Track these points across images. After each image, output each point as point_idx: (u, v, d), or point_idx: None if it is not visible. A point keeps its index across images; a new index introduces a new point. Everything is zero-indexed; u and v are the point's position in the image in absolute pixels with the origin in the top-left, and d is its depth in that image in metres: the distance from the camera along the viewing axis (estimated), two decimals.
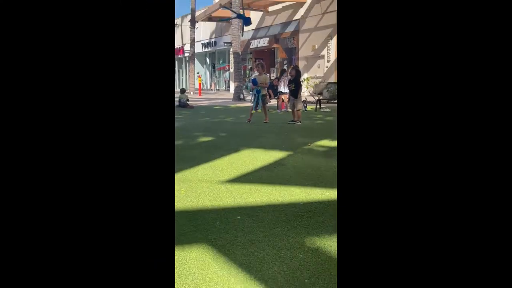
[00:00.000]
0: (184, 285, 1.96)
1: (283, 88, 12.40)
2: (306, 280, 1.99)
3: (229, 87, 25.30)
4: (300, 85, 9.02)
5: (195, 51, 25.15)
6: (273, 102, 12.68)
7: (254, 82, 9.50)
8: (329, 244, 2.40)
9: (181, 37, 30.37)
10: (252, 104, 9.73)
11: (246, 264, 2.18)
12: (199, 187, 3.77)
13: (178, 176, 4.19)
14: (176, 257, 2.27)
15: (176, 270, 2.12)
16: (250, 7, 21.19)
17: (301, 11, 19.09)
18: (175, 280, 2.01)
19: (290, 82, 9.10)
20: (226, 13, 21.57)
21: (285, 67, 18.36)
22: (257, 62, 11.06)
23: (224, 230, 2.69)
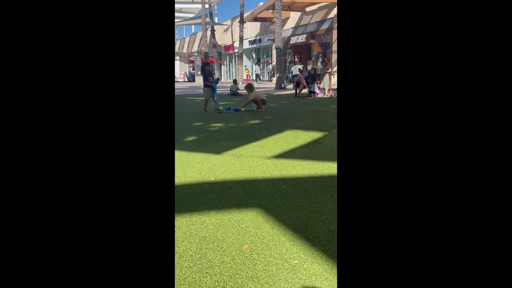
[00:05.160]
0: (242, 242, 2.01)
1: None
2: None
3: (272, 77, 25.12)
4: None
5: (243, 48, 25.11)
6: (304, 90, 12.45)
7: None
8: None
9: (231, 35, 30.28)
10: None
11: (292, 225, 2.19)
12: (250, 161, 3.80)
13: (232, 152, 4.24)
14: (234, 218, 2.33)
15: (235, 229, 2.17)
16: (290, 8, 20.73)
17: (335, 10, 18.45)
18: (235, 236, 2.07)
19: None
20: (269, 14, 21.23)
21: (320, 59, 17.96)
22: (245, 85, 10.30)
23: (273, 197, 2.71)
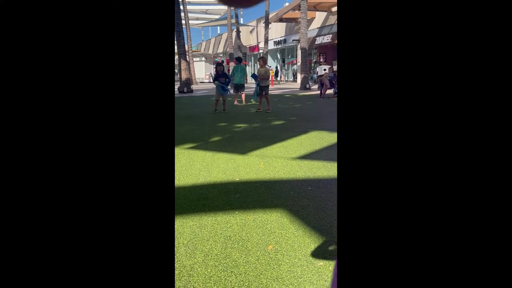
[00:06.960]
0: (267, 242, 2.01)
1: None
2: None
3: (296, 78, 25.01)
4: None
5: (268, 48, 25.13)
6: (329, 91, 12.32)
7: (254, 76, 9.00)
8: None
9: (257, 36, 30.37)
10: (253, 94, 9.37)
11: (317, 227, 2.18)
12: (274, 162, 3.80)
13: (257, 153, 4.25)
14: (259, 219, 2.33)
15: (259, 229, 2.18)
16: (315, 8, 20.59)
17: None
18: (260, 237, 2.07)
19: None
20: (295, 14, 21.17)
21: None
22: (259, 56, 10.33)
23: (297, 198, 2.70)
